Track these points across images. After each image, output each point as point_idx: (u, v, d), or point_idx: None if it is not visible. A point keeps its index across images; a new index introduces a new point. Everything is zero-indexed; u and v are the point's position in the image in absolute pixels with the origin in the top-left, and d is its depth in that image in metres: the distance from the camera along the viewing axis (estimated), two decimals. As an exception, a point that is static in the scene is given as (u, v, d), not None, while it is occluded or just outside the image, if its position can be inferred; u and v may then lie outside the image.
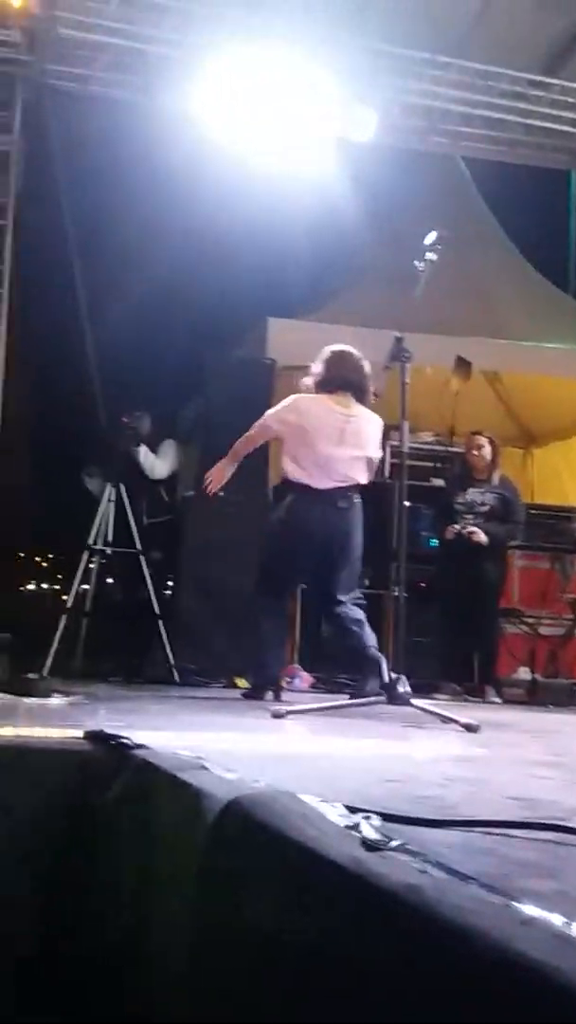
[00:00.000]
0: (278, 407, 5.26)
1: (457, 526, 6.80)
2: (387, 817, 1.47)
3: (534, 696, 6.93)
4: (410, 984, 1.02)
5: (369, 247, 8.35)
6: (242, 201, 8.16)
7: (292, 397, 5.20)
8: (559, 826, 1.49)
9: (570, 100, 8.51)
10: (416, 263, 4.20)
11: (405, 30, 7.80)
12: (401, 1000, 1.02)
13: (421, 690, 6.37)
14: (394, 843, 1.27)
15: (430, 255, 4.18)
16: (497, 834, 1.48)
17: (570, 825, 1.47)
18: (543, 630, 7.41)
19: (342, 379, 5.09)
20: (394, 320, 4.41)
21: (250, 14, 7.45)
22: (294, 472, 5.08)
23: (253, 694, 5.20)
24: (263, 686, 5.21)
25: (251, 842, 1.39)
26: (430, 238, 4.18)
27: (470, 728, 3.42)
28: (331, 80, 7.56)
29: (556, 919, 0.97)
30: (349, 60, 7.75)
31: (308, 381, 5.16)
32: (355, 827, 1.34)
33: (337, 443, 5.02)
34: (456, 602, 6.83)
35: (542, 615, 7.43)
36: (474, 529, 6.76)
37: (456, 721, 3.49)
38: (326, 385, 5.10)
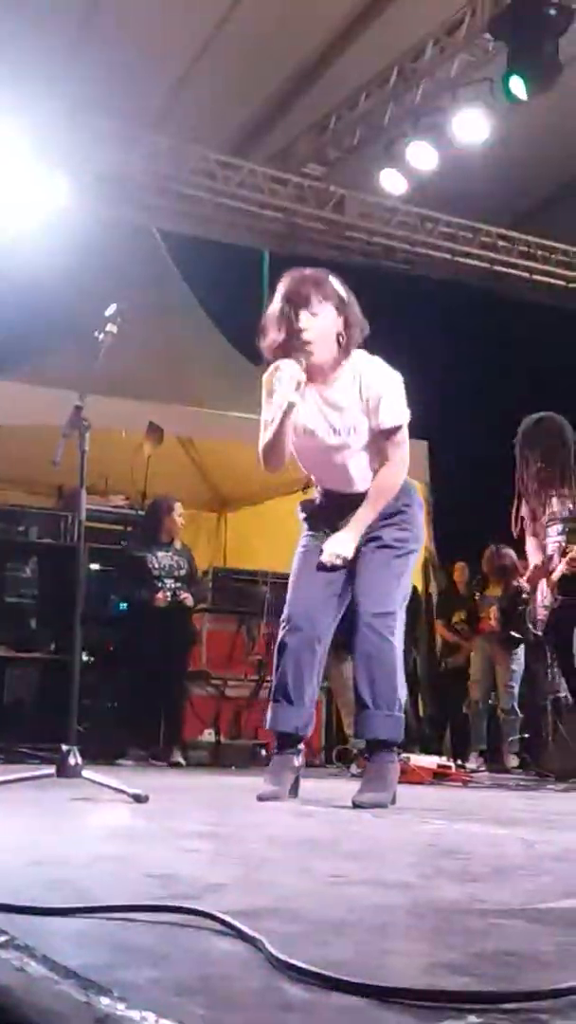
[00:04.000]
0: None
1: (168, 592, 6.90)
2: (6, 908, 1.45)
3: (217, 758, 7.04)
4: None
5: (65, 311, 8.31)
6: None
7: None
8: (179, 908, 1.51)
9: (257, 183, 8.91)
10: (96, 334, 4.23)
11: (101, 99, 7.92)
12: None
13: (107, 756, 6.34)
14: (1, 938, 1.25)
15: (111, 327, 4.22)
16: (119, 919, 1.49)
17: (188, 906, 1.50)
18: (229, 692, 7.56)
19: None
20: (90, 383, 4.35)
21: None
22: None
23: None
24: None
25: None
26: (110, 310, 4.23)
27: (138, 799, 3.43)
28: (25, 142, 7.55)
29: (134, 1015, 0.98)
30: (44, 123, 7.76)
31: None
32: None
33: None
34: (145, 665, 6.85)
35: (228, 677, 7.57)
36: (186, 595, 6.92)
37: (125, 792, 3.49)
38: None
